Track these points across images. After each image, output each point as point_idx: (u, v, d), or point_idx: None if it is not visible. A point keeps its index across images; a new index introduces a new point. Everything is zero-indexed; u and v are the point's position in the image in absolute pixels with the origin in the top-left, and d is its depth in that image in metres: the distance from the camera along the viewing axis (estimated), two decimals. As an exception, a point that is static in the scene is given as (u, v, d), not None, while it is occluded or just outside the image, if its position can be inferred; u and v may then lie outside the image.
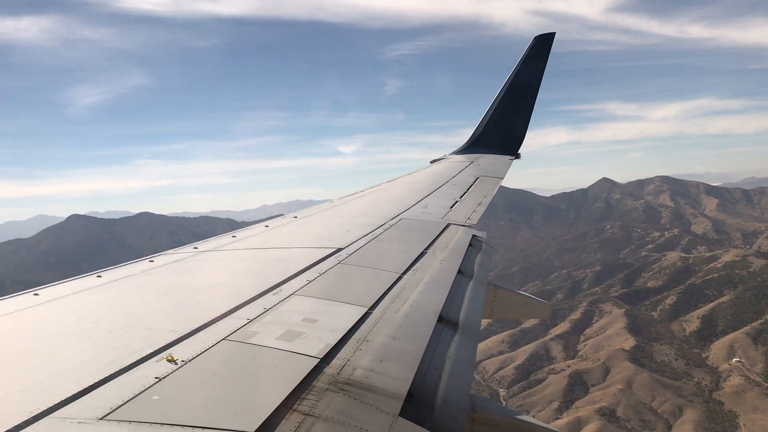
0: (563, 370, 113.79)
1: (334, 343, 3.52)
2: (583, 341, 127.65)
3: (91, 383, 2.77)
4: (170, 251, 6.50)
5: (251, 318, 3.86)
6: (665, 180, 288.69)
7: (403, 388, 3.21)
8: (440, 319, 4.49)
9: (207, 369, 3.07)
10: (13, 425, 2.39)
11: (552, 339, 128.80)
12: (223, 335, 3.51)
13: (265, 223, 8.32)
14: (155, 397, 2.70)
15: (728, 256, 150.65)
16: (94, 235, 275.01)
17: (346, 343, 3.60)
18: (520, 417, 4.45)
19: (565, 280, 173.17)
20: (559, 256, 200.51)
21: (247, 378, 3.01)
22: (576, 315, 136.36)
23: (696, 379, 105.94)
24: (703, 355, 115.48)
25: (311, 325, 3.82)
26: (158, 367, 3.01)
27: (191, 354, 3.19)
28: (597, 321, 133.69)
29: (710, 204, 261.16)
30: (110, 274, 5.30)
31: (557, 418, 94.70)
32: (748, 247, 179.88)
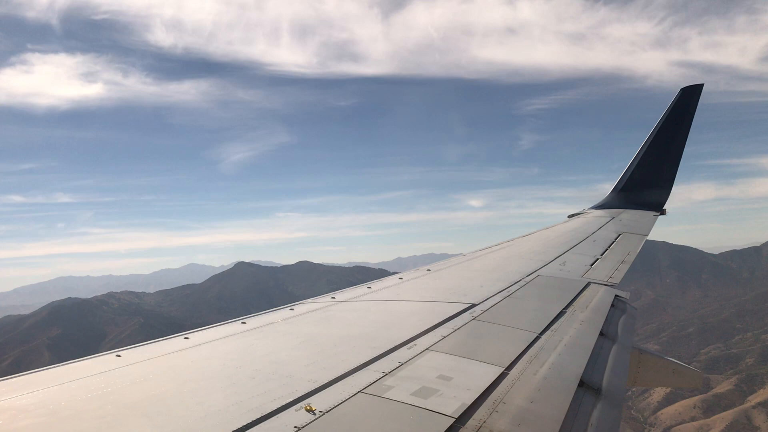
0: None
1: (469, 403, 3.42)
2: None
3: (233, 429, 2.87)
4: (309, 300, 6.71)
5: (386, 372, 3.85)
6: None
7: (543, 456, 3.05)
8: (581, 383, 4.25)
9: (344, 421, 3.08)
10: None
11: (753, 407, 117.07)
12: (360, 388, 3.53)
13: (399, 275, 8.39)
14: (294, 447, 2.74)
15: None
16: (260, 281, 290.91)
17: (482, 403, 3.49)
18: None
19: (752, 343, 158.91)
20: (739, 317, 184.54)
21: (382, 434, 3.00)
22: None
23: None
24: None
25: (446, 382, 3.75)
26: (297, 416, 3.07)
27: (329, 405, 3.23)
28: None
29: None
30: (254, 321, 5.55)
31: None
32: None
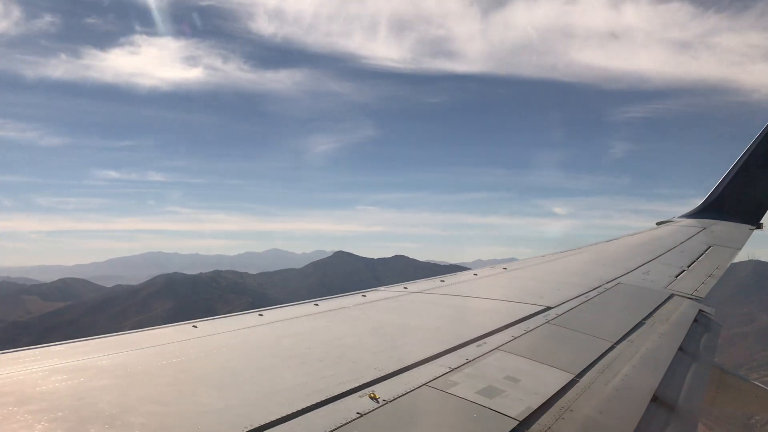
0: None
1: (535, 407, 3.35)
2: None
3: (299, 408, 2.93)
4: (382, 288, 6.75)
5: (453, 367, 3.83)
6: None
7: (608, 470, 2.97)
8: (654, 398, 4.09)
9: (406, 413, 3.09)
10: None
11: None
12: (425, 380, 3.53)
13: (474, 271, 8.32)
14: (355, 433, 2.77)
15: None
16: (357, 271, 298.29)
17: (548, 409, 3.41)
18: None
19: None
20: None
21: (444, 429, 2.99)
22: None
23: None
24: None
25: (513, 384, 3.69)
26: (361, 402, 3.10)
27: (393, 395, 3.25)
28: None
29: None
30: (326, 304, 5.64)
31: None
32: None
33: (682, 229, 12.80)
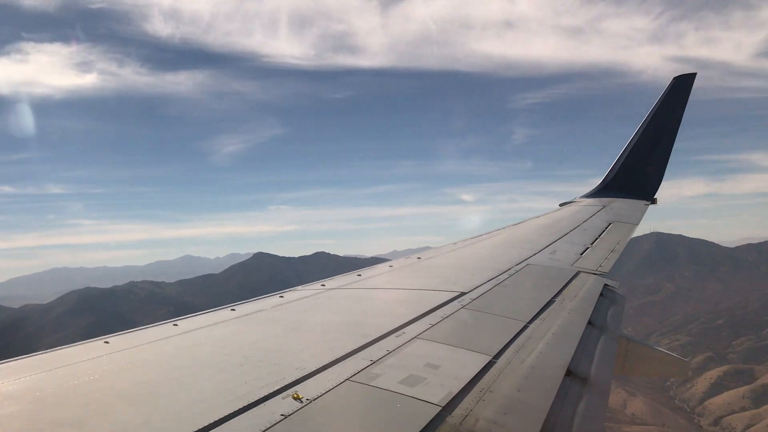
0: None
1: (456, 391, 3.43)
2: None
3: (221, 416, 2.88)
4: (300, 287, 6.71)
5: (374, 360, 3.87)
6: None
7: (528, 445, 3.08)
8: (568, 372, 4.27)
9: (330, 409, 3.09)
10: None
11: None
12: (347, 376, 3.54)
13: (390, 263, 8.39)
14: (280, 435, 2.75)
15: None
16: (279, 271, 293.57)
17: (469, 392, 3.50)
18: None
19: None
20: (766, 310, 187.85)
21: (369, 422, 3.01)
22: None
23: None
24: None
25: (433, 371, 3.76)
26: (284, 404, 3.08)
27: (316, 393, 3.24)
28: None
29: None
30: (243, 308, 5.55)
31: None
32: None
33: (583, 209, 13.39)
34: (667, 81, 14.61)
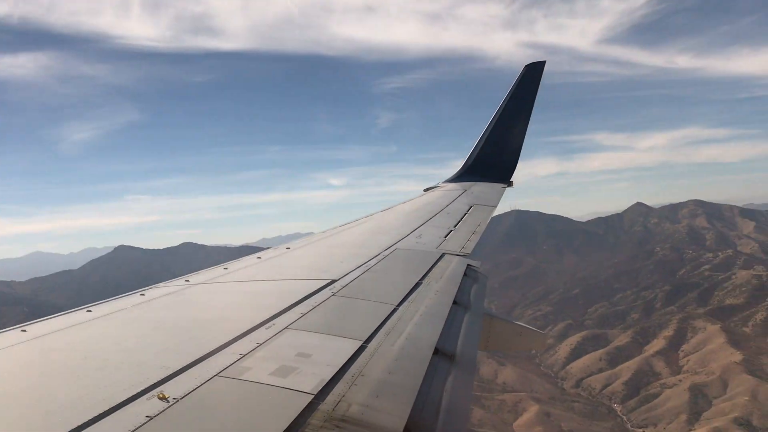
0: (676, 384, 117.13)
1: (328, 378, 3.44)
2: (684, 357, 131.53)
3: (80, 423, 2.70)
4: (162, 284, 6.42)
5: (244, 353, 3.78)
6: (699, 204, 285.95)
7: (400, 424, 3.14)
8: (436, 351, 4.42)
9: (199, 407, 2.99)
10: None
11: (652, 356, 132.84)
12: (216, 371, 3.44)
13: (257, 254, 8.25)
14: (145, 438, 2.62)
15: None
16: (144, 265, 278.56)
17: (341, 378, 3.52)
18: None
19: (634, 300, 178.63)
20: (616, 278, 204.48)
21: (240, 416, 2.94)
22: (668, 332, 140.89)
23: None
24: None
25: (305, 360, 3.75)
26: (149, 405, 2.94)
27: (183, 391, 3.12)
28: (692, 337, 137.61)
29: (747, 226, 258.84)
30: (101, 308, 5.21)
31: (691, 430, 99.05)
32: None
33: (446, 193, 13.86)
34: (521, 66, 15.39)
